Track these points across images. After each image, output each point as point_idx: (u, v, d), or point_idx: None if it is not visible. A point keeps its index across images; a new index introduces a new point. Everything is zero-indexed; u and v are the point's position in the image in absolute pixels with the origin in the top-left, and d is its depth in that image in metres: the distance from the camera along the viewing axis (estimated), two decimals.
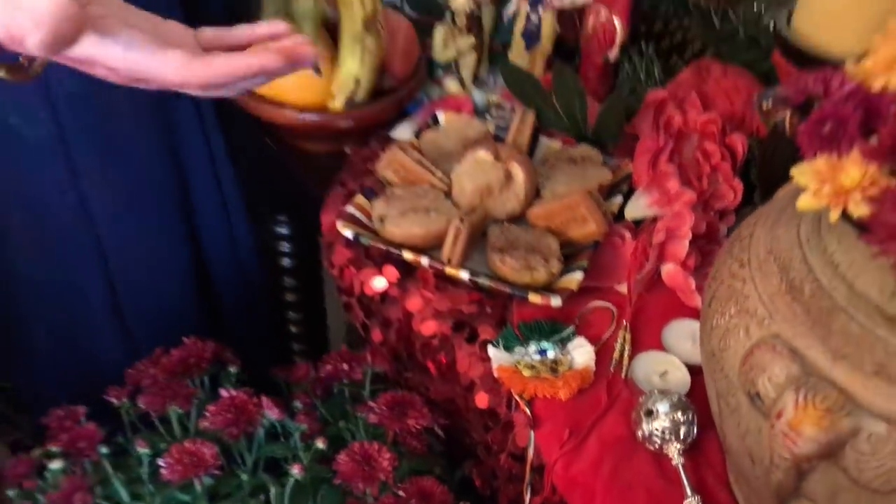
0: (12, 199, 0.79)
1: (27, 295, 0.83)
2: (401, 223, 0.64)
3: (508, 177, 0.66)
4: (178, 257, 0.86)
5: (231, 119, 0.80)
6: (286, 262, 0.95)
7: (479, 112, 0.79)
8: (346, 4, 0.72)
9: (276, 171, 0.85)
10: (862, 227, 0.36)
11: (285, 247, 0.94)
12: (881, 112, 0.38)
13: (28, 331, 0.86)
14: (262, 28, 0.55)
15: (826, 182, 0.37)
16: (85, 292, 0.84)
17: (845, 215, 0.37)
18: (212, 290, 0.91)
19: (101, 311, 0.85)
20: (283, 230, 0.92)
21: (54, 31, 0.46)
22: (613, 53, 0.76)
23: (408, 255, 0.64)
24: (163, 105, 0.78)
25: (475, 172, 0.67)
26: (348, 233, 0.65)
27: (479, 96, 0.80)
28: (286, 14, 0.73)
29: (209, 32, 0.54)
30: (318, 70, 0.72)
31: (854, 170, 0.36)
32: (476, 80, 0.82)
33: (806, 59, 0.58)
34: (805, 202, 0.38)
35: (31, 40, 0.46)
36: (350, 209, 0.67)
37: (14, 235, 0.81)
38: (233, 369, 0.70)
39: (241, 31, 0.55)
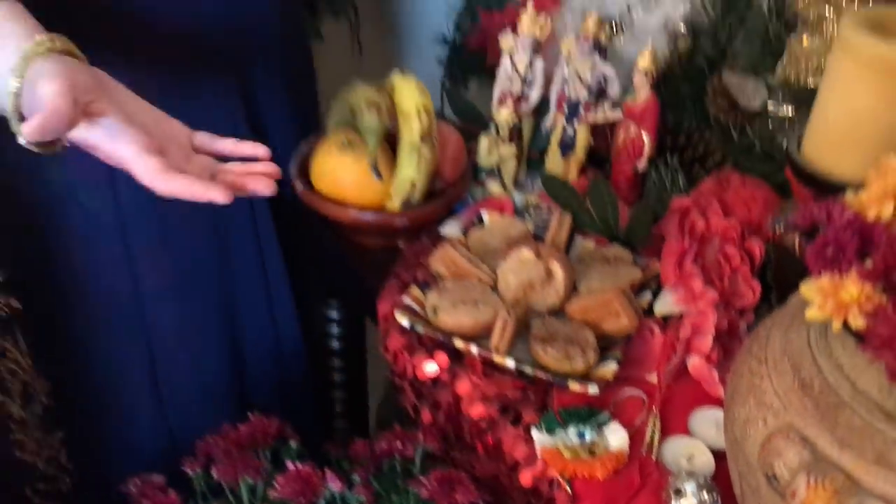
0: (71, 272, 0.87)
1: (72, 365, 0.90)
2: (452, 314, 0.72)
3: (549, 274, 0.74)
4: (219, 339, 0.93)
5: (292, 212, 0.89)
6: (335, 344, 1.03)
7: (519, 212, 0.87)
8: (405, 119, 0.81)
9: (332, 261, 0.94)
10: (860, 337, 0.43)
11: (335, 330, 1.02)
12: (874, 239, 0.45)
13: (72, 403, 0.92)
14: (246, 147, 0.66)
15: (829, 297, 0.44)
16: (127, 367, 0.91)
17: (846, 326, 0.44)
18: (250, 371, 0.98)
19: (140, 386, 0.92)
20: (334, 314, 1.00)
21: (45, 120, 0.56)
22: (642, 164, 0.85)
23: (458, 344, 0.71)
24: (217, 208, 0.87)
25: (519, 269, 0.75)
26: (405, 321, 0.73)
27: (518, 198, 0.88)
28: (352, 126, 0.83)
29: (203, 136, 0.65)
30: (378, 174, 0.81)
31: (852, 288, 0.44)
32: (516, 183, 0.90)
33: (813, 180, 0.66)
34: (812, 314, 0.45)
35: (29, 123, 0.56)
36: (406, 300, 0.75)
37: (66, 304, 0.88)
38: (293, 444, 0.77)
39: (227, 144, 0.65)
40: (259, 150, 0.66)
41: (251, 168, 0.65)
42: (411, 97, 0.82)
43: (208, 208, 0.86)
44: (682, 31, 0.90)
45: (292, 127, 0.95)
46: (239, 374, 0.96)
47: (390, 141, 0.84)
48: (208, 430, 0.83)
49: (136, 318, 0.89)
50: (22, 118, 0.60)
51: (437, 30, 1.30)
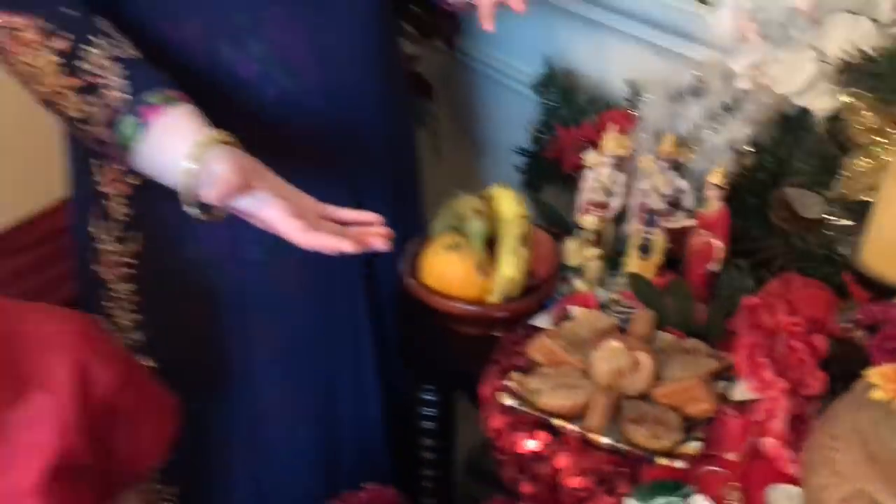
0: (196, 336, 1.00)
1: (188, 422, 1.02)
2: (552, 396, 0.82)
3: (636, 362, 0.84)
4: (316, 409, 1.05)
5: (395, 303, 1.01)
6: (427, 424, 1.13)
7: (603, 307, 0.98)
8: (505, 225, 0.94)
9: (432, 346, 1.05)
10: None
11: (428, 411, 1.12)
12: None
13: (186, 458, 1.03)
14: (363, 215, 0.81)
15: (891, 381, 0.54)
16: (230, 428, 1.02)
17: None
18: (343, 443, 1.08)
19: (239, 448, 1.03)
20: (430, 397, 1.10)
21: (220, 190, 0.70)
22: (714, 266, 0.96)
23: (558, 423, 0.81)
24: (326, 276, 1.00)
25: (609, 357, 0.85)
26: (509, 402, 0.83)
27: (602, 294, 1.00)
28: (458, 230, 0.95)
29: (329, 207, 0.81)
30: (482, 272, 0.93)
31: None
32: (599, 281, 1.02)
33: (870, 283, 0.77)
34: (877, 395, 0.55)
35: (208, 193, 0.72)
36: (508, 383, 0.86)
37: (189, 367, 1.01)
38: None
39: (349, 213, 0.81)
40: (373, 217, 0.81)
41: (368, 230, 0.79)
42: (510, 205, 0.95)
43: (319, 290, 0.99)
44: (746, 149, 1.02)
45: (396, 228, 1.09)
46: (330, 444, 1.07)
47: (490, 243, 0.97)
48: (299, 498, 0.93)
49: (245, 383, 1.01)
50: (195, 194, 0.75)
51: (513, 141, 1.44)
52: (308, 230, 0.74)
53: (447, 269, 0.95)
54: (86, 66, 0.80)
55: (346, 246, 0.74)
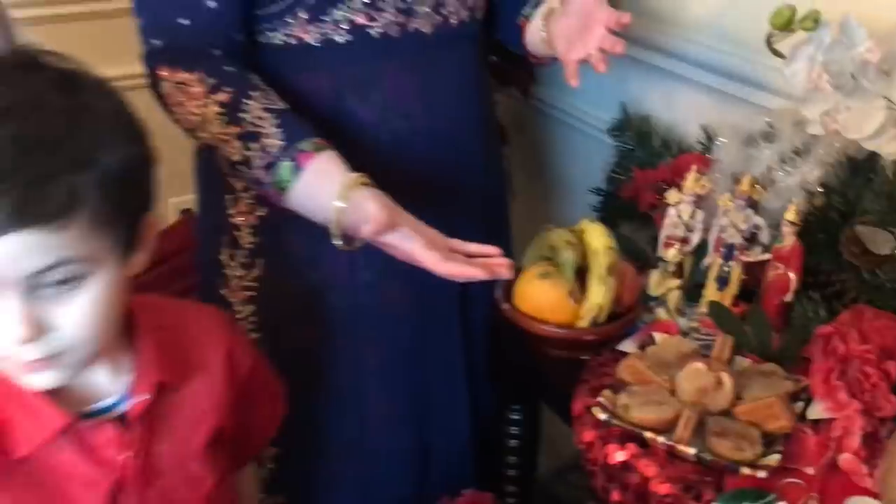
0: (312, 355, 1.10)
1: (296, 435, 1.10)
2: (641, 411, 0.90)
3: (718, 381, 0.92)
4: (412, 422, 1.14)
5: (496, 326, 1.10)
6: (513, 442, 1.21)
7: (683, 333, 1.06)
8: (594, 256, 1.03)
9: (523, 367, 1.14)
10: None
11: (515, 430, 1.20)
12: None
13: (293, 470, 1.13)
14: (486, 248, 0.92)
15: None
16: (340, 438, 1.12)
17: None
18: (434, 454, 1.17)
19: (348, 455, 1.13)
20: (517, 416, 1.19)
21: (375, 227, 0.83)
22: (788, 297, 1.03)
23: (648, 435, 0.89)
24: (426, 297, 1.10)
25: (693, 378, 0.93)
26: (602, 416, 0.91)
27: (682, 322, 1.07)
28: (549, 261, 1.04)
29: (455, 241, 0.92)
30: (573, 299, 1.01)
31: None
32: (679, 310, 1.10)
33: None
34: None
35: (364, 229, 0.82)
36: (600, 399, 0.94)
37: (300, 380, 1.10)
38: None
39: (472, 246, 0.92)
40: (495, 249, 0.93)
41: (493, 260, 0.90)
42: (599, 238, 1.04)
43: (420, 309, 1.09)
44: (817, 190, 1.10)
45: None
46: (423, 451, 1.16)
47: (580, 272, 1.05)
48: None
49: (354, 393, 1.11)
50: (343, 229, 0.85)
51: (586, 182, 1.53)
52: (445, 261, 0.86)
53: (540, 296, 1.04)
54: (245, 116, 0.93)
55: (477, 272, 0.85)
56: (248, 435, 0.93)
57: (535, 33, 1.13)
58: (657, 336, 1.03)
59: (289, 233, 1.02)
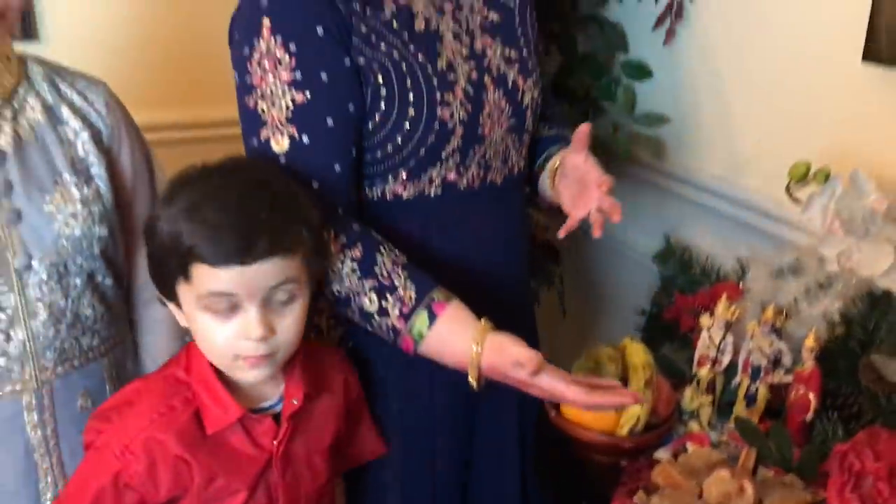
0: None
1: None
2: None
3: (741, 488, 1.03)
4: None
5: (545, 431, 1.23)
6: None
7: (713, 445, 1.17)
8: (634, 371, 1.16)
9: (568, 469, 1.26)
10: None
11: None
12: None
13: None
14: (606, 380, 1.06)
15: None
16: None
17: None
18: None
19: None
20: None
21: (532, 368, 0.99)
22: (809, 416, 1.14)
23: None
24: (493, 402, 1.23)
25: (719, 484, 1.04)
26: None
27: (713, 435, 1.19)
28: (595, 373, 1.18)
29: (595, 379, 1.05)
30: (616, 408, 1.14)
31: None
32: (710, 424, 1.21)
33: None
34: None
35: (518, 372, 1.00)
36: (636, 500, 1.05)
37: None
38: None
39: (596, 379, 1.05)
40: (614, 381, 1.08)
41: (619, 390, 1.05)
42: (639, 355, 1.17)
43: (486, 411, 1.22)
44: (837, 320, 1.22)
45: None
46: None
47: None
48: None
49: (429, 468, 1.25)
50: (479, 370, 1.03)
51: (633, 304, 1.67)
52: (588, 394, 1.00)
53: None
54: (378, 270, 1.07)
55: (614, 399, 1.02)
56: (348, 447, 1.17)
57: (544, 185, 1.27)
58: (690, 446, 1.15)
59: (373, 360, 1.18)
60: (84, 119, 1.11)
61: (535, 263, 2.00)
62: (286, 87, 1.06)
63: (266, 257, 0.97)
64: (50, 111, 1.09)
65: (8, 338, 1.03)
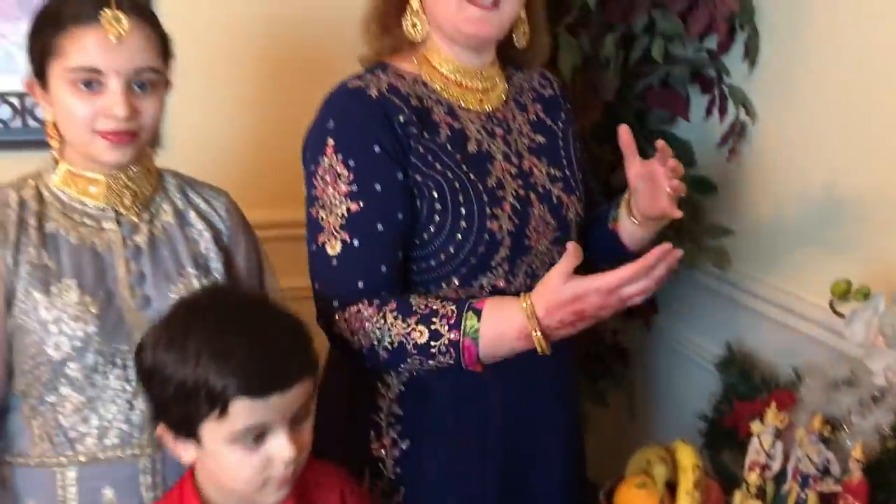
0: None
1: None
2: None
3: None
4: None
5: None
6: None
7: None
8: (683, 472, 1.22)
9: None
10: None
11: None
12: None
13: None
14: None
15: None
16: None
17: None
18: None
19: None
20: None
21: (568, 264, 1.11)
22: None
23: None
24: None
25: None
26: None
27: None
28: (646, 473, 1.24)
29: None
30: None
31: None
32: None
33: None
34: None
35: (568, 292, 1.10)
36: None
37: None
38: None
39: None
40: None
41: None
42: (689, 457, 1.23)
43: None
44: (889, 433, 1.25)
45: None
46: None
47: (671, 485, 1.24)
48: None
49: None
50: (538, 320, 1.12)
51: (695, 406, 1.72)
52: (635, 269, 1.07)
53: (636, 502, 1.23)
54: (415, 307, 1.17)
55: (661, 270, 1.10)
56: None
57: (626, 225, 1.35)
58: None
59: (430, 464, 1.27)
60: (208, 222, 1.28)
61: (605, 366, 2.07)
62: (343, 198, 1.21)
63: (299, 378, 1.05)
64: (180, 215, 1.27)
65: (132, 407, 1.18)
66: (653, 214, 1.31)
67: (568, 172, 1.36)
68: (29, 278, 1.15)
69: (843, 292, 1.18)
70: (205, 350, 1.01)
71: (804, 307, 1.57)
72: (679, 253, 1.09)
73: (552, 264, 1.28)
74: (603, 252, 1.40)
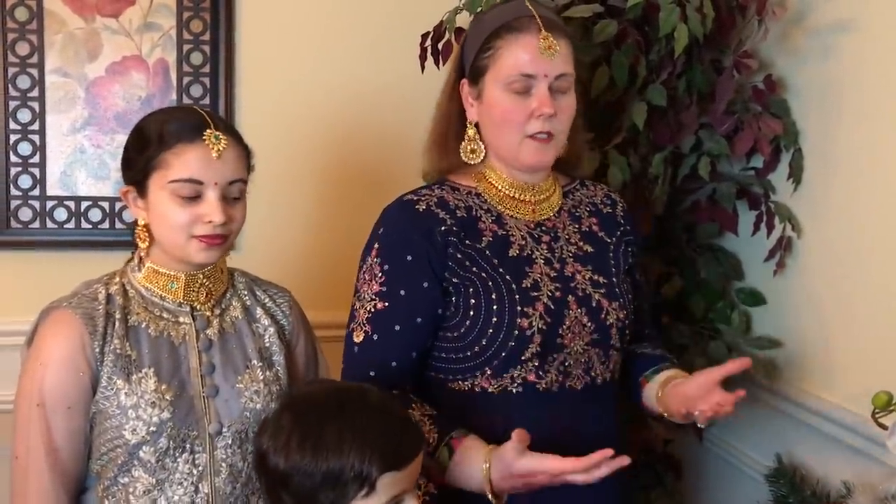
0: None
1: None
2: None
3: None
4: None
5: None
6: None
7: None
8: None
9: None
10: None
11: None
12: None
13: None
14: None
15: None
16: None
17: None
18: None
19: None
20: None
21: (514, 446, 1.18)
22: None
23: None
24: None
25: None
26: None
27: None
28: None
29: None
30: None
31: None
32: None
33: None
34: None
35: (516, 467, 1.19)
36: None
37: None
38: None
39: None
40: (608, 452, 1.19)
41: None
42: None
43: None
44: None
45: None
46: None
47: None
48: None
49: None
50: (491, 483, 1.21)
51: None
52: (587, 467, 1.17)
53: None
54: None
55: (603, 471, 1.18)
56: None
57: (650, 391, 1.45)
58: None
59: None
60: (272, 318, 1.39)
61: (656, 476, 2.06)
62: (374, 296, 1.36)
63: (420, 442, 1.18)
64: (247, 311, 1.38)
65: (197, 490, 1.26)
66: (677, 411, 1.39)
67: (613, 280, 1.43)
68: (112, 367, 1.25)
69: (884, 404, 1.21)
70: (345, 437, 1.10)
71: (854, 421, 1.57)
72: (625, 461, 1.21)
73: (588, 364, 1.39)
74: (627, 379, 1.51)
